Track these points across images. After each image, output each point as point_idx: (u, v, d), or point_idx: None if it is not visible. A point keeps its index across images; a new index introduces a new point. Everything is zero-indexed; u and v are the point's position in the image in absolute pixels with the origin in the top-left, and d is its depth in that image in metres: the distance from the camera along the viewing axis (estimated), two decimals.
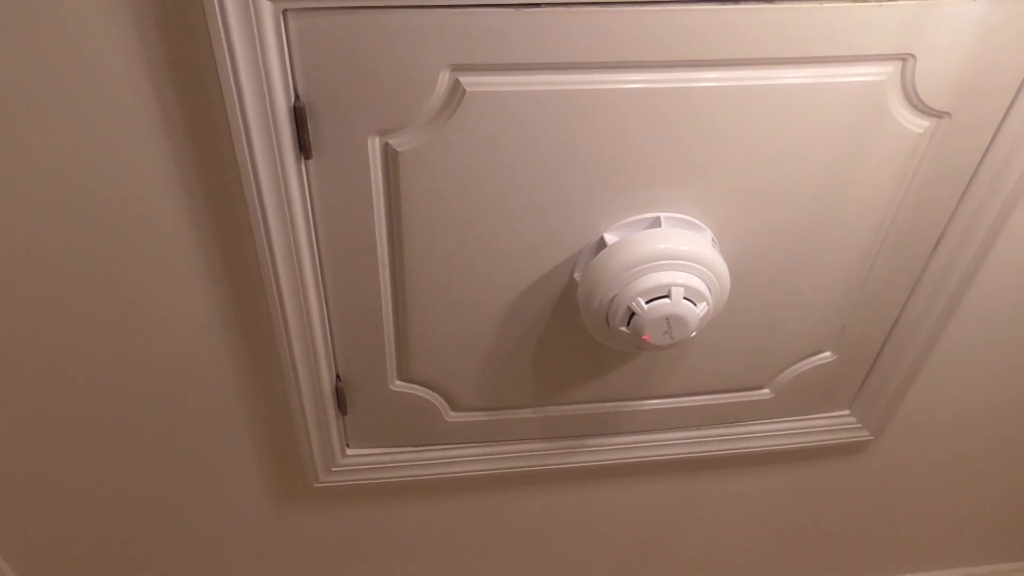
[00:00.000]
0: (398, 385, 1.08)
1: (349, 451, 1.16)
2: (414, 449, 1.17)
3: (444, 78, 0.77)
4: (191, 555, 1.31)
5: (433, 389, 1.09)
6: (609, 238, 0.91)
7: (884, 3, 0.77)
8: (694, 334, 0.92)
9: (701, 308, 0.90)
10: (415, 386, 1.08)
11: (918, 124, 0.88)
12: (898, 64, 0.82)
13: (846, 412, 1.26)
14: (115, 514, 1.22)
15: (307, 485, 1.18)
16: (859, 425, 1.28)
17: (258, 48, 0.72)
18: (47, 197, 0.83)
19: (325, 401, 1.06)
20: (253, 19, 0.70)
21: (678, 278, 0.88)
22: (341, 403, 1.08)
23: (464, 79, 0.77)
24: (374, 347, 1.02)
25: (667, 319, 0.89)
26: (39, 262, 0.88)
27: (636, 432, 1.21)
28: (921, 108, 0.86)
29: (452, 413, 1.13)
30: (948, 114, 0.87)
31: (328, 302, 0.96)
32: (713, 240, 0.93)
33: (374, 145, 0.81)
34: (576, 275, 0.95)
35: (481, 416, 1.14)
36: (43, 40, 0.71)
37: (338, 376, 1.05)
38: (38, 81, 0.74)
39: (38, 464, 1.12)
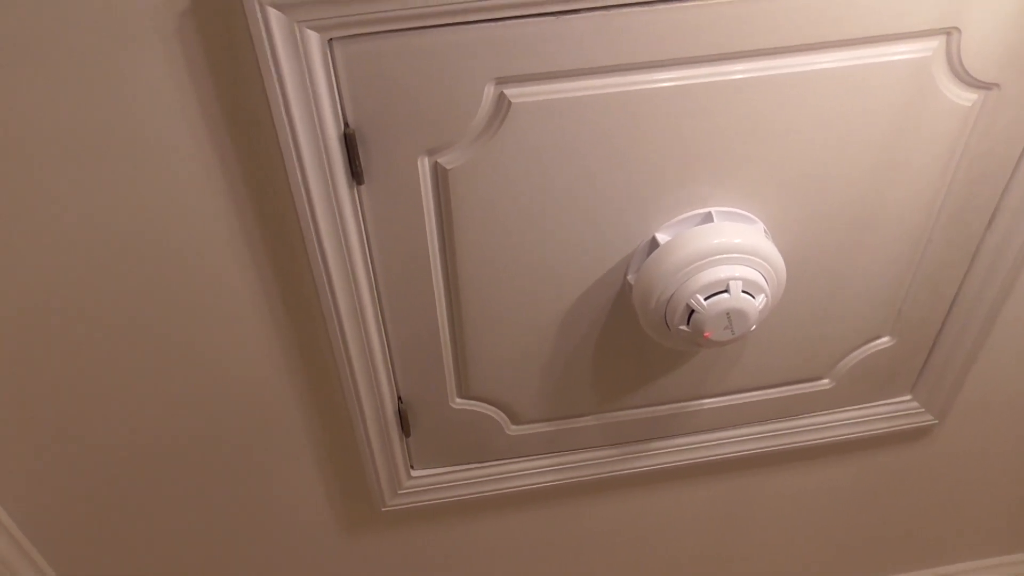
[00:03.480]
0: (459, 403, 1.08)
1: (414, 472, 1.16)
2: (478, 466, 1.17)
3: (489, 92, 0.78)
4: None
5: (494, 404, 1.09)
6: (661, 237, 0.91)
7: None
8: (754, 327, 0.92)
9: (760, 300, 0.89)
10: (475, 403, 1.08)
11: (966, 98, 0.87)
12: (943, 38, 0.82)
13: (908, 397, 1.24)
14: (187, 552, 1.23)
15: (374, 509, 1.18)
16: (922, 410, 1.26)
17: (307, 78, 0.73)
18: (106, 242, 0.84)
19: (388, 424, 1.07)
20: (301, 50, 0.71)
21: (735, 271, 0.88)
22: (404, 425, 1.08)
23: (509, 91, 0.78)
24: (433, 367, 1.02)
25: (727, 314, 0.88)
26: (103, 307, 0.90)
27: (696, 432, 1.20)
28: (969, 81, 0.85)
29: (513, 427, 1.13)
30: (997, 85, 0.86)
31: (386, 325, 0.97)
32: (765, 231, 0.93)
33: (423, 165, 0.82)
34: (630, 278, 0.95)
35: (542, 427, 1.14)
36: (101, 84, 0.73)
37: (399, 398, 1.06)
38: (97, 125, 0.76)
39: (108, 502, 1.13)
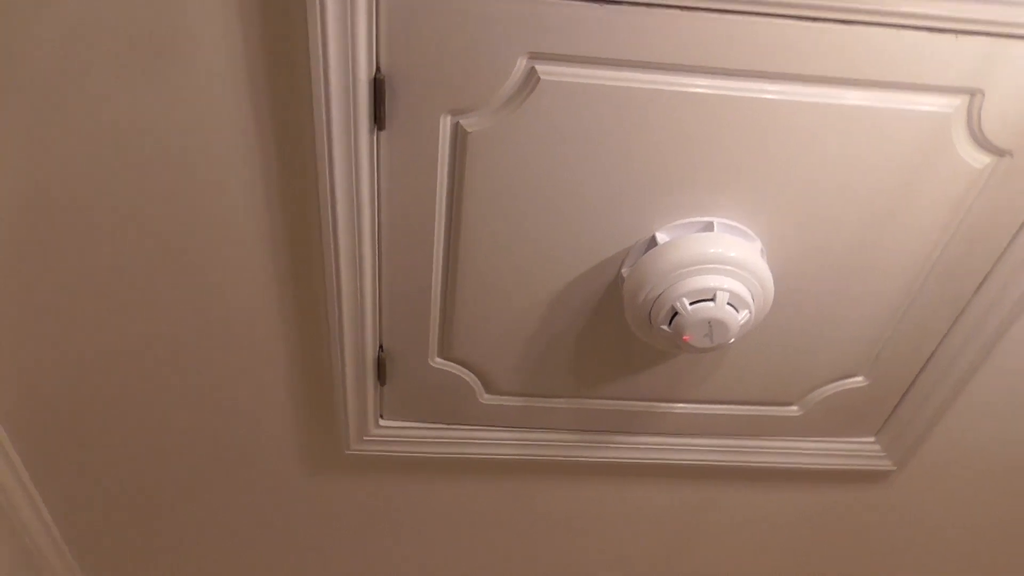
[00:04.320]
0: (438, 362, 1.11)
1: (383, 422, 1.19)
2: (446, 427, 1.20)
3: (521, 64, 0.80)
4: (218, 510, 1.36)
5: (471, 369, 1.12)
6: (661, 237, 0.93)
7: (959, 35, 0.78)
8: (733, 340, 0.94)
9: (743, 315, 0.92)
10: (454, 364, 1.11)
11: (979, 160, 0.89)
12: (966, 98, 0.84)
13: (872, 440, 1.27)
14: (155, 467, 1.26)
15: (338, 451, 1.21)
16: (883, 454, 1.28)
17: (349, 18, 0.75)
18: (124, 142, 0.86)
19: (366, 370, 1.10)
20: None
21: (724, 283, 0.90)
22: (381, 373, 1.11)
23: (540, 67, 0.80)
24: (419, 322, 1.05)
25: (709, 322, 0.91)
26: (108, 205, 0.92)
27: (664, 434, 1.23)
28: (984, 144, 0.87)
29: (487, 395, 1.15)
30: (1010, 153, 0.88)
31: (381, 273, 0.99)
32: (762, 251, 0.95)
33: (445, 123, 0.85)
34: (624, 270, 0.97)
35: (515, 401, 1.17)
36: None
37: (381, 347, 1.08)
38: (143, 30, 0.78)
39: (85, 411, 1.16)
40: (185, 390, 1.14)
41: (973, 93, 0.83)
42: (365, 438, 1.20)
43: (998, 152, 0.88)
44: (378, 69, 0.80)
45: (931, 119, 0.85)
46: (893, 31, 0.78)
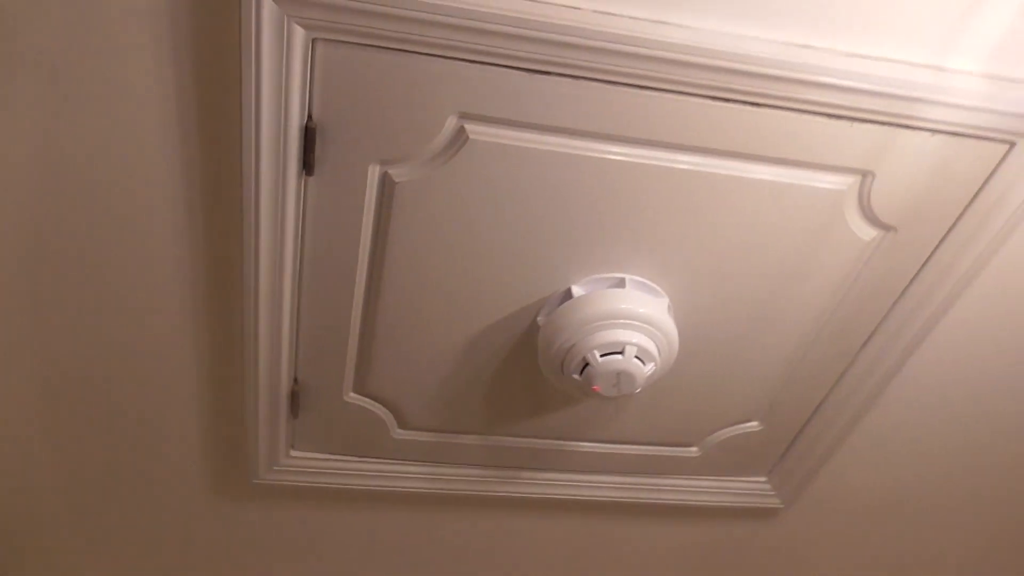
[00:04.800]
0: (352, 397, 1.12)
1: (293, 452, 1.19)
2: (357, 459, 1.21)
3: (451, 123, 0.83)
4: (119, 532, 1.32)
5: (385, 405, 1.14)
6: (576, 291, 0.97)
7: (855, 122, 0.85)
8: (639, 390, 0.99)
9: (649, 368, 0.97)
10: (368, 400, 1.12)
11: (868, 233, 0.96)
12: (858, 178, 0.91)
13: (763, 479, 1.35)
14: (46, 481, 1.23)
15: (246, 480, 1.21)
16: (773, 493, 1.36)
17: (283, 68, 0.76)
18: (47, 167, 0.85)
19: (279, 401, 1.10)
20: (285, 42, 0.75)
21: (633, 337, 0.95)
22: (294, 406, 1.11)
23: (469, 126, 0.83)
24: (335, 358, 1.06)
25: (617, 374, 0.95)
26: (42, 239, 0.90)
27: (569, 471, 1.27)
28: (872, 219, 0.95)
29: (399, 430, 1.17)
30: (895, 228, 0.96)
31: (300, 308, 1.00)
32: (669, 307, 1.00)
33: (374, 172, 0.86)
34: (540, 319, 1.01)
35: (426, 436, 1.19)
36: (91, 17, 0.75)
37: (296, 379, 1.09)
38: (77, 51, 0.77)
39: None
40: (92, 409, 1.12)
41: (865, 174, 0.91)
42: (275, 468, 1.20)
43: (884, 227, 0.96)
44: (310, 117, 0.81)
45: (827, 195, 0.92)
46: (797, 115, 0.84)
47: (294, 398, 1.10)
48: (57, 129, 0.82)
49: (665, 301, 1.00)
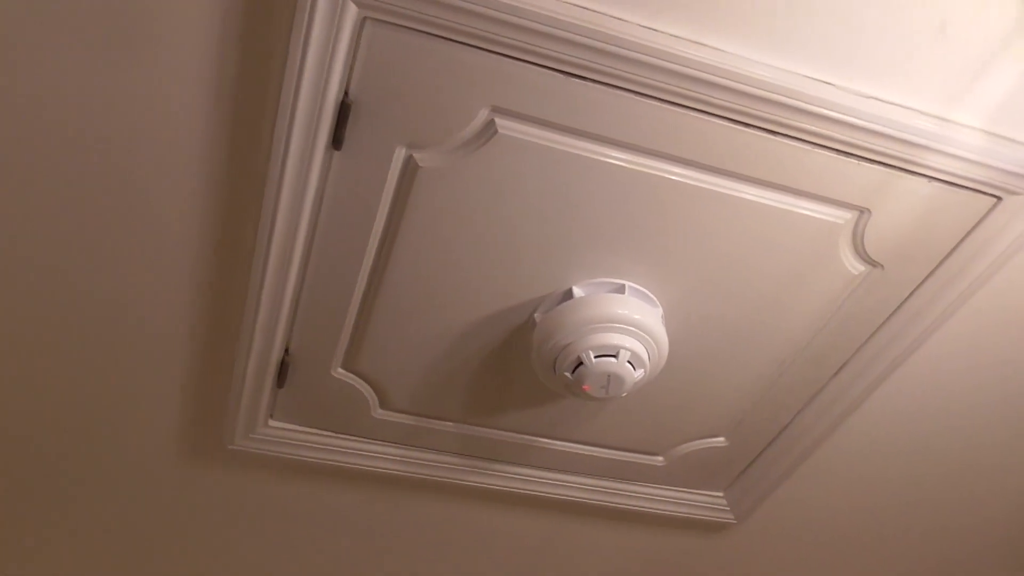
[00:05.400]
0: (339, 372, 1.13)
1: (272, 422, 1.19)
2: (334, 435, 1.22)
3: (482, 115, 0.85)
4: (84, 488, 1.30)
5: (370, 383, 1.15)
6: (577, 291, 1.00)
7: (862, 161, 0.90)
8: (625, 395, 1.02)
9: (639, 373, 1.00)
10: (354, 377, 1.14)
11: (856, 267, 1.02)
12: (856, 214, 0.96)
13: (720, 494, 1.39)
14: (15, 435, 1.21)
15: (220, 444, 1.20)
16: (727, 508, 1.41)
17: (330, 42, 0.78)
18: (72, 113, 0.85)
19: (267, 369, 1.10)
20: (336, 17, 0.76)
21: (627, 342, 0.98)
22: (281, 376, 1.12)
23: (500, 121, 0.85)
24: (330, 331, 1.07)
25: (608, 376, 0.98)
26: (58, 187, 0.90)
27: (538, 468, 1.30)
28: (862, 255, 1.00)
29: (380, 410, 1.18)
30: (882, 266, 1.01)
31: (305, 278, 1.01)
32: (663, 317, 1.04)
33: (399, 154, 0.88)
34: (537, 316, 1.04)
35: (406, 419, 1.20)
36: None
37: (287, 350, 1.09)
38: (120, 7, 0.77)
39: None
40: (71, 356, 1.10)
41: (862, 211, 0.96)
42: (251, 435, 1.20)
43: (873, 263, 1.01)
44: (346, 93, 0.83)
45: (824, 225, 0.97)
46: (810, 147, 0.89)
47: (283, 368, 1.11)
48: (94, 75, 0.82)
49: (660, 311, 1.03)
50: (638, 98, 0.84)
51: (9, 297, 1.03)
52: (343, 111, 0.84)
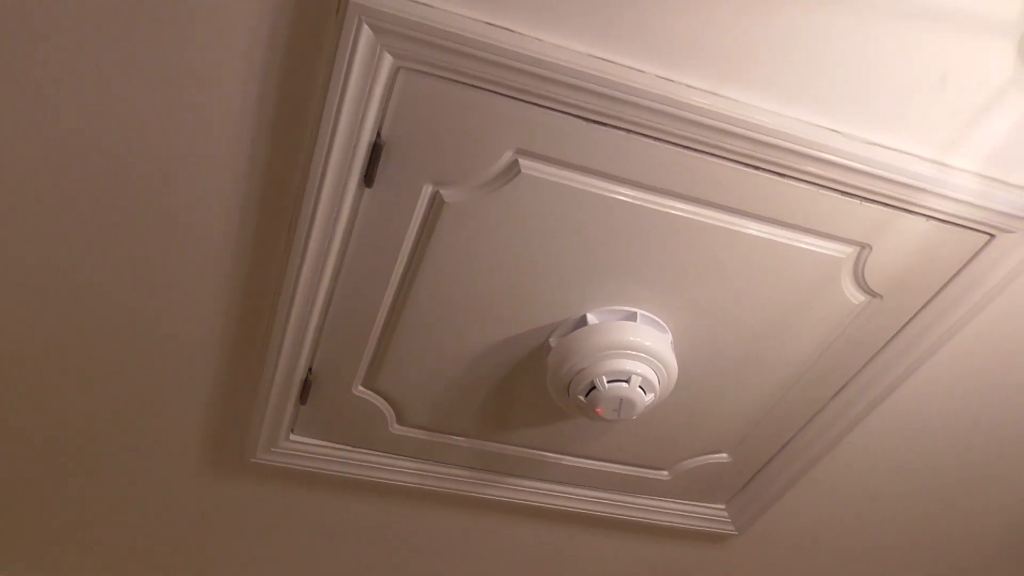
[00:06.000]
0: (359, 390, 1.17)
1: (293, 436, 1.24)
2: (352, 449, 1.27)
3: (507, 156, 0.90)
4: (106, 498, 1.35)
5: (388, 400, 1.20)
6: (591, 319, 1.05)
7: (864, 201, 0.95)
8: (635, 417, 1.07)
9: (649, 397, 1.05)
10: (374, 394, 1.18)
11: (857, 297, 1.07)
12: (857, 248, 1.01)
13: (722, 507, 1.45)
14: (41, 441, 1.25)
15: (243, 457, 1.25)
16: (729, 520, 1.46)
17: (366, 89, 0.82)
18: (116, 131, 0.89)
19: (291, 387, 1.15)
20: (373, 66, 0.81)
21: (639, 368, 1.03)
22: (304, 393, 1.17)
23: (523, 161, 0.90)
24: (352, 352, 1.12)
25: (620, 400, 1.03)
26: (99, 209, 0.94)
27: (549, 481, 1.35)
28: (863, 286, 1.05)
29: (397, 425, 1.23)
30: (881, 296, 1.06)
31: (331, 303, 1.05)
32: (672, 342, 1.09)
33: (426, 190, 0.93)
34: (552, 340, 1.08)
35: (422, 434, 1.25)
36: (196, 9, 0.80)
37: (311, 369, 1.14)
38: (168, 40, 0.82)
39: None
40: (101, 368, 1.15)
41: (863, 246, 1.01)
42: (272, 449, 1.25)
43: (872, 294, 1.07)
44: (379, 135, 0.87)
45: (827, 259, 1.02)
46: (816, 188, 0.94)
47: (306, 385, 1.16)
48: (143, 107, 0.86)
49: (669, 337, 1.08)
50: (654, 142, 0.89)
51: (46, 309, 1.07)
52: (375, 151, 0.88)
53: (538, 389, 1.16)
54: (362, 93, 0.83)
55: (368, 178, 0.91)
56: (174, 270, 1.03)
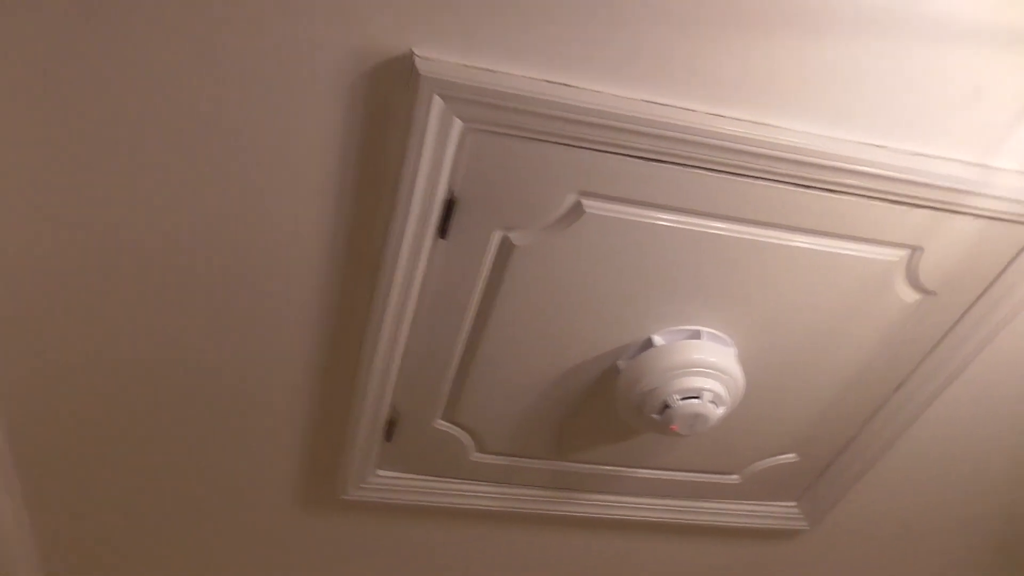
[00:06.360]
0: (440, 424, 1.24)
1: (380, 472, 1.31)
2: (436, 479, 1.33)
3: (570, 199, 0.95)
4: (206, 536, 1.43)
5: (467, 431, 1.26)
6: (657, 340, 1.10)
7: (912, 207, 1.00)
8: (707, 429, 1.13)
9: (721, 410, 1.10)
10: (454, 426, 1.25)
11: (911, 296, 1.11)
12: (908, 251, 1.05)
13: (793, 504, 1.49)
14: (141, 479, 1.33)
15: (334, 495, 1.32)
16: (801, 516, 1.50)
17: (440, 152, 0.89)
18: (222, 202, 0.96)
19: (377, 427, 1.22)
20: (445, 131, 0.87)
21: (709, 384, 1.08)
22: (389, 431, 1.23)
23: (586, 202, 0.96)
24: (432, 390, 1.18)
25: (695, 415, 1.09)
26: (204, 265, 1.02)
27: (624, 494, 1.40)
28: (916, 285, 1.09)
29: (477, 454, 1.29)
30: (935, 293, 1.10)
31: (409, 346, 1.12)
32: (736, 355, 1.14)
33: (495, 237, 0.99)
34: (620, 364, 1.14)
35: (501, 460, 1.31)
36: (277, 93, 0.87)
37: (393, 408, 1.21)
38: (256, 117, 0.89)
39: (77, 407, 1.20)
40: (197, 415, 1.22)
41: (915, 248, 1.05)
42: (362, 485, 1.31)
43: (926, 292, 1.11)
44: (451, 191, 0.94)
45: (880, 264, 1.06)
46: (867, 200, 0.98)
47: (390, 425, 1.22)
48: (233, 180, 0.94)
49: (734, 350, 1.13)
50: (708, 173, 0.94)
51: (156, 362, 1.14)
52: (449, 207, 0.95)
53: (609, 410, 1.22)
54: (436, 156, 0.89)
55: (443, 231, 0.97)
56: (270, 326, 1.10)
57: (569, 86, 0.87)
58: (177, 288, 1.05)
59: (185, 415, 1.22)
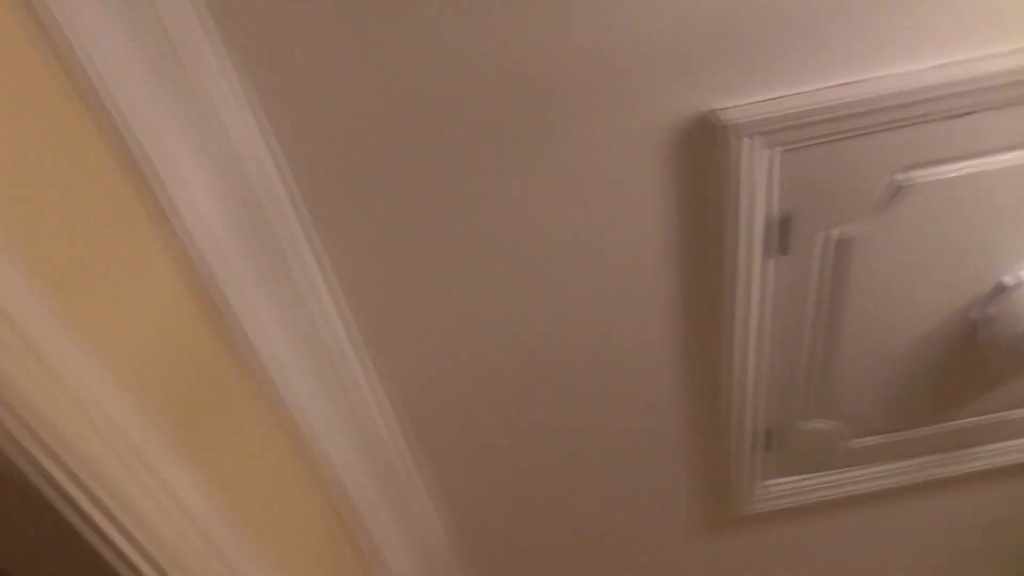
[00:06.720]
0: (812, 422, 1.31)
1: (766, 482, 1.39)
2: (818, 475, 1.39)
3: (888, 178, 1.01)
4: (616, 571, 1.59)
5: (839, 422, 1.31)
6: (1010, 280, 1.11)
7: None
8: None
9: None
10: (823, 421, 1.31)
11: None
12: None
13: None
14: (559, 519, 1.50)
15: (730, 513, 1.42)
16: None
17: (761, 182, 0.99)
18: (566, 259, 1.10)
19: (757, 441, 1.31)
20: (759, 162, 0.97)
21: None
22: (768, 441, 1.32)
23: (899, 176, 1.01)
24: (799, 393, 1.25)
25: None
26: (547, 316, 1.17)
27: (1010, 439, 1.38)
28: None
29: (855, 440, 1.34)
30: None
31: (760, 362, 1.21)
32: None
33: (833, 235, 1.06)
34: (975, 315, 1.15)
35: (878, 439, 1.35)
36: (607, 167, 1.00)
37: (766, 420, 1.29)
38: (594, 185, 1.02)
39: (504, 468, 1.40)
40: (601, 472, 1.38)
41: None
42: (753, 498, 1.40)
43: None
44: (777, 210, 1.03)
45: None
46: None
47: (767, 435, 1.31)
48: (575, 214, 1.06)
49: None
50: (1007, 110, 0.96)
51: (562, 423, 1.31)
52: (783, 225, 1.04)
53: (970, 364, 1.22)
54: (758, 188, 0.99)
55: (783, 248, 1.06)
56: (640, 377, 1.24)
57: (858, 82, 0.94)
58: (564, 373, 1.22)
59: (589, 471, 1.40)
